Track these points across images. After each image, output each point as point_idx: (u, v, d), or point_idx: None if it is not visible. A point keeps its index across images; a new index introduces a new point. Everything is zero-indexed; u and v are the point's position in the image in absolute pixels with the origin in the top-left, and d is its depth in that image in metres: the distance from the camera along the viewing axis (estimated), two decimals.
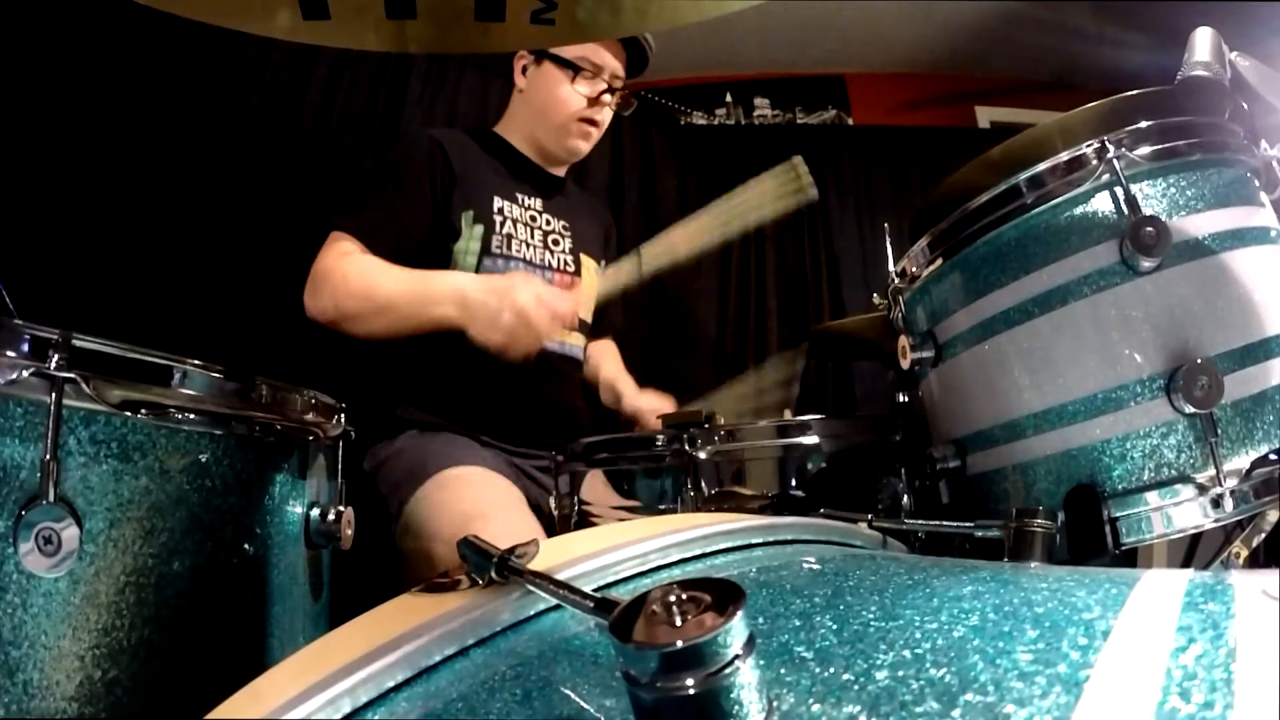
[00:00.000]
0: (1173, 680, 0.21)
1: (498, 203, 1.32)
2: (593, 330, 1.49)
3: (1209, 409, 0.67)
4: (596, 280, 1.46)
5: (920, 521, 0.72)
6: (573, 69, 1.32)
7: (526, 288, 1.07)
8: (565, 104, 1.34)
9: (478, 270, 1.28)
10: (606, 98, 1.35)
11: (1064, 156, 0.76)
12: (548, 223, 1.39)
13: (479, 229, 1.28)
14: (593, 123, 1.37)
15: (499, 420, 1.28)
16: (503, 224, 1.31)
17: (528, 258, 1.33)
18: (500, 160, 1.38)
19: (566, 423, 1.34)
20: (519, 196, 1.36)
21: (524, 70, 1.38)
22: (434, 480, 1.13)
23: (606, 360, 1.56)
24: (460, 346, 1.12)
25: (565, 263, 1.39)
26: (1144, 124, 0.75)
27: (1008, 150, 0.88)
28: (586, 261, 1.44)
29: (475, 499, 1.11)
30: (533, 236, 1.35)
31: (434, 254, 1.26)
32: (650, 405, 1.43)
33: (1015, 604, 0.30)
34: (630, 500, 1.01)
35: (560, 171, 1.46)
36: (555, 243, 1.39)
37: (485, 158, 1.36)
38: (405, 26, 0.56)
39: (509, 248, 1.31)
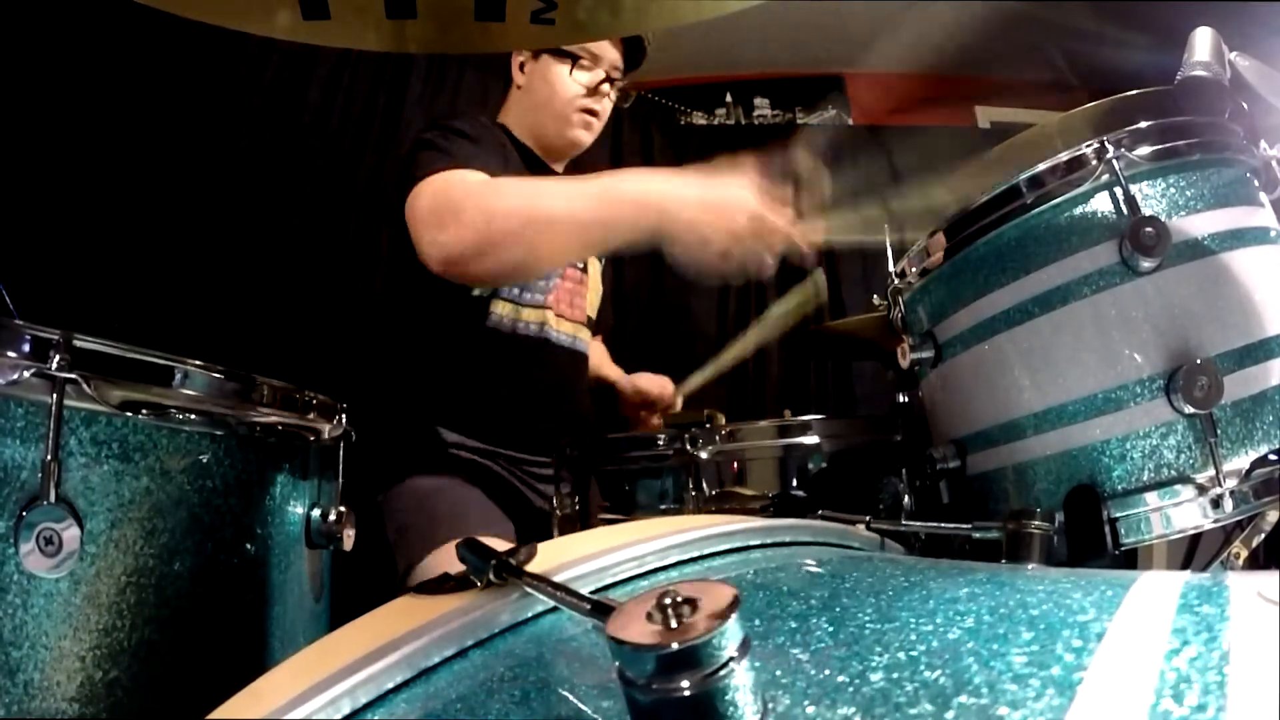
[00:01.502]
0: (1166, 683, 0.21)
1: None
2: (593, 329, 1.50)
3: (1209, 409, 0.67)
4: (600, 277, 1.46)
5: (918, 523, 0.72)
6: (571, 58, 1.32)
7: (745, 202, 0.90)
8: (565, 93, 1.33)
9: None
10: (605, 88, 1.35)
11: (1064, 156, 0.75)
12: None
13: None
14: (593, 113, 1.36)
15: (508, 421, 1.28)
16: None
17: None
18: (513, 154, 1.38)
19: (574, 419, 1.34)
20: None
21: (521, 67, 1.39)
22: (443, 552, 1.11)
23: (603, 361, 1.57)
24: (468, 346, 1.11)
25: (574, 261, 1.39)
26: (1144, 124, 0.75)
27: (1008, 150, 0.88)
28: (591, 259, 1.44)
29: None
30: None
31: None
32: (648, 383, 1.43)
33: (1010, 606, 0.30)
34: (631, 501, 1.01)
35: (560, 167, 1.46)
36: None
37: (504, 150, 1.36)
38: (405, 26, 0.57)
39: None
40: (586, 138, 1.39)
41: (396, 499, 1.21)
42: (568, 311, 1.37)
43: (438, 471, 1.23)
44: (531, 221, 0.95)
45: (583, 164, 1.68)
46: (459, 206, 1.00)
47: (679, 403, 1.48)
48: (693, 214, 0.86)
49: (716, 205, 0.87)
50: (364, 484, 1.22)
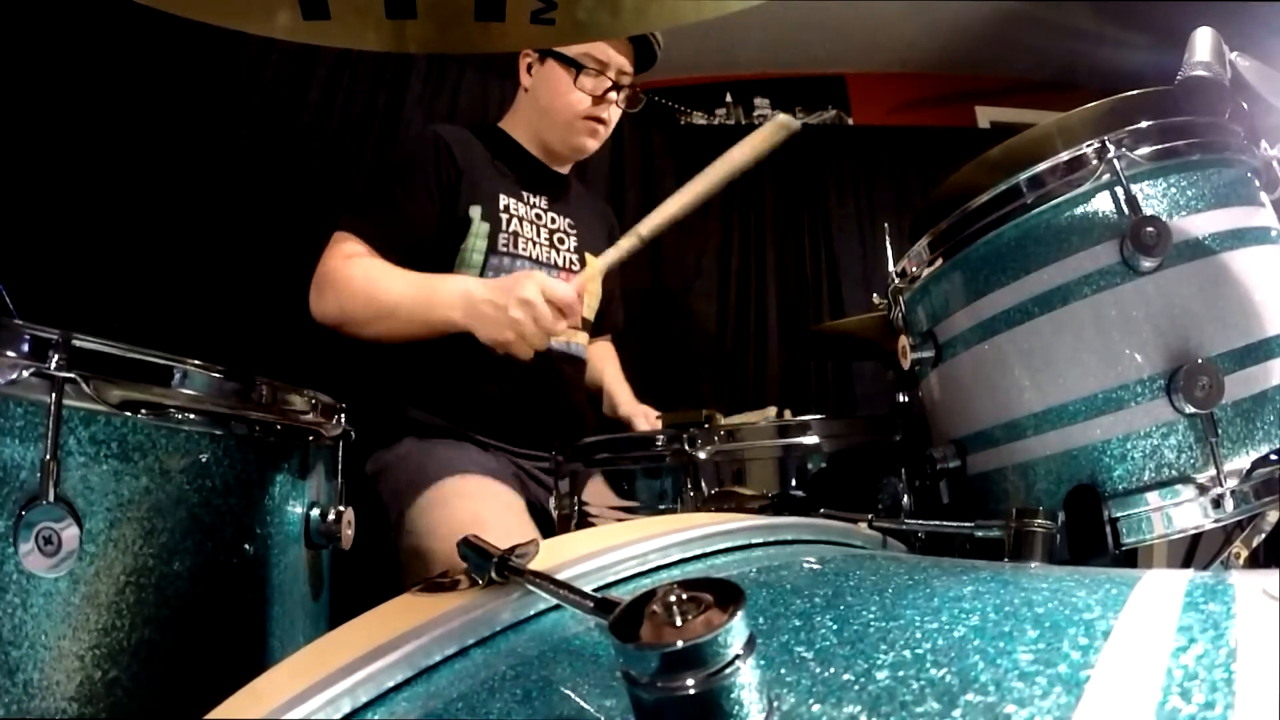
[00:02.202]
0: (1173, 680, 0.21)
1: (504, 200, 1.31)
2: (594, 330, 1.50)
3: (1209, 409, 0.67)
4: (600, 280, 1.45)
5: (920, 521, 0.72)
6: (576, 66, 1.30)
7: (530, 282, 1.05)
8: (570, 102, 1.32)
9: (484, 269, 1.27)
10: (613, 95, 1.34)
11: (1064, 156, 0.75)
12: (553, 221, 1.39)
13: (485, 227, 1.28)
14: (599, 120, 1.35)
15: (503, 421, 1.28)
16: (509, 222, 1.31)
17: (534, 256, 1.33)
18: (506, 158, 1.37)
19: (571, 422, 1.34)
20: (524, 194, 1.36)
21: (529, 69, 1.38)
22: (434, 488, 1.13)
23: (607, 366, 1.56)
24: (465, 347, 1.12)
25: (570, 261, 1.39)
26: (1144, 124, 0.75)
27: (1008, 150, 0.88)
28: (591, 260, 1.43)
29: (475, 507, 1.11)
30: (539, 235, 1.35)
31: (441, 253, 1.26)
32: (645, 421, 1.42)
33: (1016, 604, 0.30)
34: (630, 501, 1.01)
35: (565, 169, 1.46)
36: (560, 241, 1.39)
37: (491, 156, 1.35)
38: (405, 26, 0.56)
39: (515, 246, 1.31)
40: (592, 144, 1.38)
41: (386, 461, 1.22)
42: None
43: (428, 436, 1.24)
44: (373, 308, 1.15)
45: (586, 164, 1.68)
46: (325, 285, 1.17)
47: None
48: (484, 300, 1.08)
49: (500, 292, 1.07)
50: (359, 466, 1.23)
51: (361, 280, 1.16)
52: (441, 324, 1.11)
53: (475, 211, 1.27)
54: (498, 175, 1.34)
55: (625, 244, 1.14)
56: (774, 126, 1.15)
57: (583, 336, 1.42)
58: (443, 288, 1.14)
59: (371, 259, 1.18)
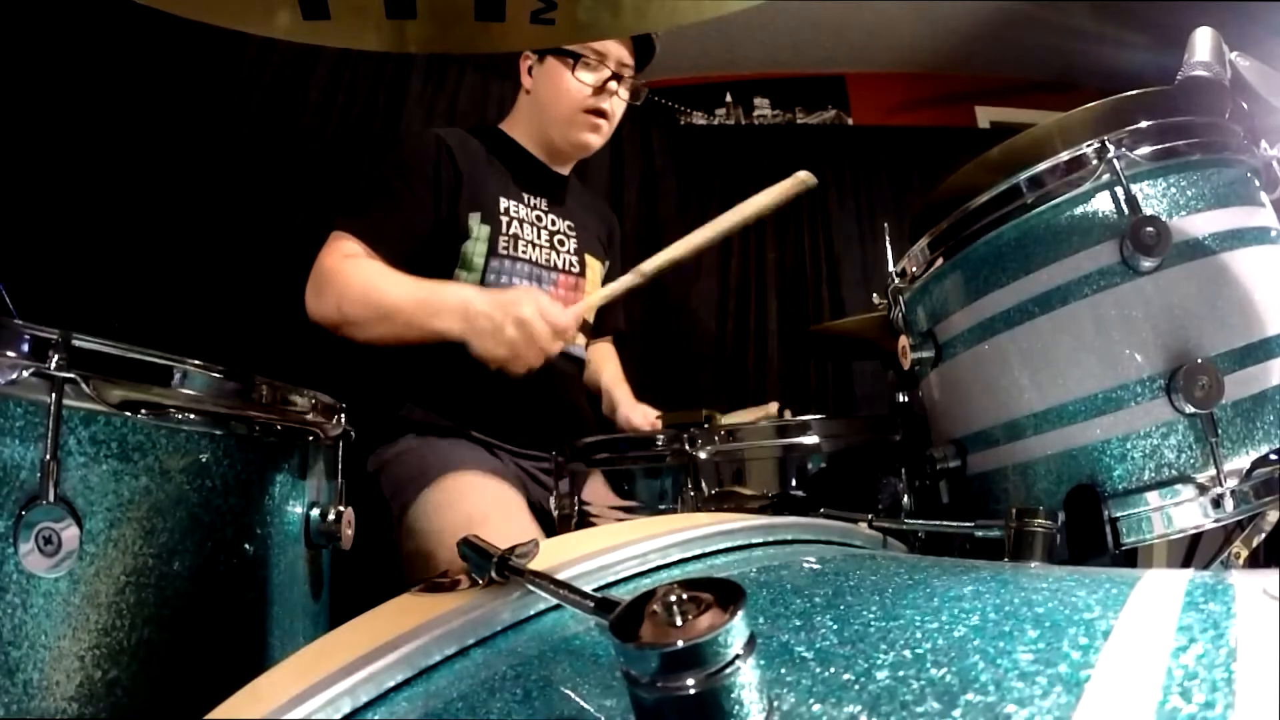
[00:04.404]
0: (1173, 680, 0.21)
1: (504, 203, 1.31)
2: (594, 330, 1.49)
3: (1209, 409, 0.67)
4: (600, 281, 1.46)
5: (920, 521, 0.72)
6: (573, 57, 1.31)
7: (529, 301, 1.05)
8: (570, 95, 1.32)
9: (485, 270, 1.27)
10: (613, 85, 1.33)
11: (1064, 156, 0.75)
12: (553, 223, 1.39)
13: (486, 229, 1.28)
14: (601, 114, 1.35)
15: (503, 420, 1.28)
16: (509, 224, 1.31)
17: (533, 258, 1.33)
18: (506, 160, 1.37)
19: (570, 422, 1.34)
20: (525, 196, 1.36)
21: (529, 70, 1.38)
22: (436, 484, 1.13)
23: (607, 366, 1.56)
24: (460, 348, 1.12)
25: (570, 263, 1.39)
26: (1144, 124, 0.75)
27: (1008, 150, 0.88)
28: (591, 262, 1.44)
29: (476, 502, 1.12)
30: (539, 237, 1.35)
31: (442, 255, 1.26)
32: (644, 420, 1.42)
33: (1016, 604, 0.30)
34: (630, 500, 1.01)
35: (566, 170, 1.46)
36: (560, 243, 1.39)
37: (491, 157, 1.35)
38: (405, 26, 0.56)
39: (515, 249, 1.31)
40: (595, 140, 1.38)
41: (386, 458, 1.23)
42: None
43: (429, 434, 1.24)
44: (372, 311, 1.14)
45: (586, 164, 1.67)
46: (324, 284, 1.16)
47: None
48: (481, 314, 1.06)
49: (498, 308, 1.05)
50: (359, 466, 1.23)
51: (361, 281, 1.15)
52: (439, 333, 1.10)
53: (475, 218, 1.27)
54: (497, 176, 1.34)
55: (627, 280, 1.16)
56: (793, 181, 1.16)
57: (581, 338, 1.41)
58: (443, 295, 1.12)
59: (371, 260, 1.18)
